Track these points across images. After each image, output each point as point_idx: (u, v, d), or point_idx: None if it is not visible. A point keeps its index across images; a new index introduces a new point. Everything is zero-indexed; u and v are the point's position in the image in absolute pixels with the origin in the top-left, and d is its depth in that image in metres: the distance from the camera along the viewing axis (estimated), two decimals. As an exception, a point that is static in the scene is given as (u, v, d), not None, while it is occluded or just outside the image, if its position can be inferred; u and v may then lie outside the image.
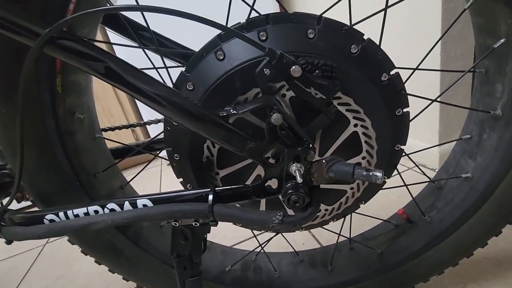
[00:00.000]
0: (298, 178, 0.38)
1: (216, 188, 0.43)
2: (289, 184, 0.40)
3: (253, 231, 0.66)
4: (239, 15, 0.43)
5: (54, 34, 0.34)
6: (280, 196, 0.43)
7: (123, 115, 1.76)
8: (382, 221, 0.69)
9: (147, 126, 1.82)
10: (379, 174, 0.37)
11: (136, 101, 1.60)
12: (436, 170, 1.10)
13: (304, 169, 0.39)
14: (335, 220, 0.57)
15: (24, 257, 1.25)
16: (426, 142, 1.06)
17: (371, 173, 0.37)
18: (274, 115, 0.37)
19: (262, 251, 0.69)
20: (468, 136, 0.55)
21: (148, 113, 1.66)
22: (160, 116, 0.76)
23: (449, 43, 0.95)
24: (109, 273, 1.02)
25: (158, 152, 0.60)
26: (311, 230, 0.99)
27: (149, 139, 0.64)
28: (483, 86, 0.51)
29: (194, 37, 0.77)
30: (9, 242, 0.52)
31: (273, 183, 0.44)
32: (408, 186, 0.60)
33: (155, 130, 1.64)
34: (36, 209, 0.53)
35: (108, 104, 1.69)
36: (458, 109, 1.04)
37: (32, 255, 1.25)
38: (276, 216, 0.39)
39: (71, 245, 0.63)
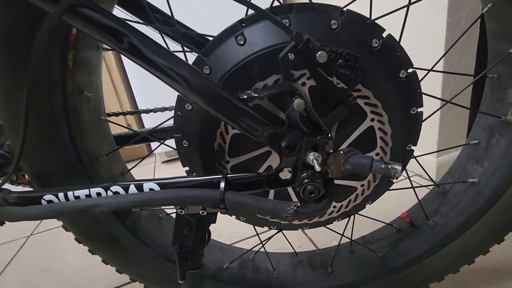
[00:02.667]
0: (317, 167, 0.37)
1: (228, 175, 0.42)
2: (304, 174, 0.40)
3: (255, 228, 0.64)
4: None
5: (75, 1, 0.33)
6: (292, 187, 0.42)
7: (120, 107, 1.73)
8: (383, 224, 0.68)
9: (143, 122, 1.80)
10: (398, 167, 0.37)
11: (134, 93, 1.61)
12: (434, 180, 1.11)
13: (321, 159, 0.39)
14: (340, 219, 0.57)
15: (6, 248, 1.20)
16: (424, 151, 1.08)
17: (390, 166, 0.37)
18: (297, 100, 0.36)
19: (261, 249, 0.68)
20: (476, 141, 0.56)
21: (144, 105, 1.63)
22: (165, 104, 0.74)
23: (452, 54, 0.97)
24: (96, 268, 0.99)
25: (164, 140, 0.59)
26: (308, 233, 0.98)
27: (155, 126, 0.62)
28: (494, 92, 0.52)
29: (205, 25, 0.77)
30: (1, 223, 0.49)
31: (283, 175, 0.43)
32: (409, 190, 0.60)
33: (151, 123, 1.61)
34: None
35: (104, 95, 1.66)
36: (456, 120, 1.07)
37: (15, 246, 1.20)
38: (291, 206, 0.38)
39: (55, 238, 0.60)
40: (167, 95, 0.43)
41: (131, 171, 0.64)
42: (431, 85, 1.01)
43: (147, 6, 0.51)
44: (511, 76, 0.48)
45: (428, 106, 0.53)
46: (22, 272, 1.03)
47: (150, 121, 1.68)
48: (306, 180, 0.39)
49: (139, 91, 1.61)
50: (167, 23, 0.56)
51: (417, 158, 0.56)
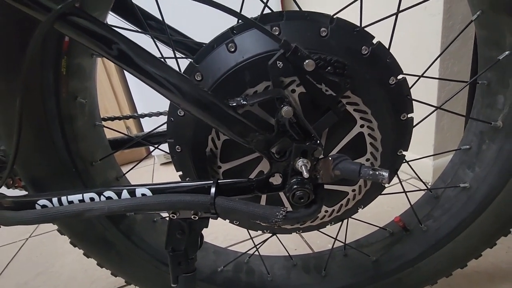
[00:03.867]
0: (305, 173, 0.37)
1: (219, 181, 0.42)
2: (294, 180, 0.40)
3: (249, 231, 0.64)
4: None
5: (66, 10, 0.33)
6: (283, 192, 0.43)
7: (119, 111, 1.74)
8: (377, 228, 0.69)
9: (142, 125, 1.80)
10: (385, 173, 0.37)
11: (133, 97, 1.62)
12: (430, 184, 1.11)
13: (310, 165, 0.39)
14: (333, 223, 0.57)
15: (4, 251, 1.20)
16: (420, 155, 1.08)
17: (377, 173, 0.37)
18: (285, 108, 0.36)
19: (255, 253, 0.68)
20: (467, 146, 0.56)
21: (143, 109, 1.64)
22: (161, 109, 0.75)
23: (446, 60, 0.98)
24: (93, 270, 1.00)
25: (158, 144, 0.59)
26: (303, 236, 0.98)
27: (149, 131, 0.63)
28: (484, 98, 0.52)
29: (198, 32, 0.77)
30: (-5, 227, 0.50)
31: (275, 180, 0.43)
32: (405, 194, 0.60)
33: (150, 127, 1.62)
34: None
35: (104, 99, 1.67)
36: (452, 124, 1.07)
37: (13, 249, 1.20)
38: (280, 211, 0.38)
39: (54, 241, 0.60)
40: (166, 100, 0.43)
41: (129, 173, 0.65)
42: (426, 90, 1.02)
43: (139, 13, 0.52)
44: (500, 82, 0.48)
45: (424, 110, 0.53)
46: (20, 274, 1.04)
47: (150, 125, 1.68)
48: (295, 186, 0.39)
49: (138, 95, 1.61)
50: (161, 30, 0.57)
51: (410, 162, 0.56)
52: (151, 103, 1.50)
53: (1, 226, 0.48)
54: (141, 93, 1.60)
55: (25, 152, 0.46)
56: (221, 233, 1.06)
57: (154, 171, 1.80)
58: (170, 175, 1.70)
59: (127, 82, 1.62)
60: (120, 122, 1.72)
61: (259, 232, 0.60)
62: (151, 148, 1.76)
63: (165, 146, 0.57)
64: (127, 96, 1.77)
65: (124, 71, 1.64)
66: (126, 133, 0.66)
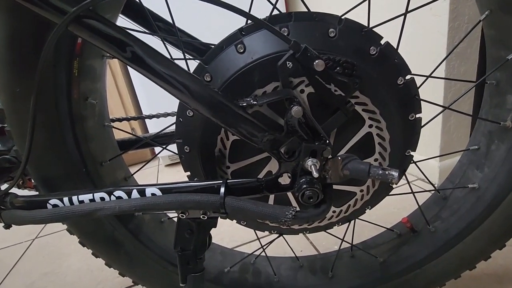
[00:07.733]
0: (314, 173, 0.37)
1: (228, 181, 0.42)
2: (303, 179, 0.40)
3: (256, 232, 0.64)
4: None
5: (80, 12, 0.34)
6: (292, 192, 0.43)
7: (124, 112, 1.75)
8: (384, 229, 0.68)
9: (147, 125, 1.82)
10: (395, 173, 0.37)
11: (138, 98, 1.63)
12: (436, 186, 1.11)
13: (320, 165, 0.39)
14: (340, 224, 0.57)
15: (11, 251, 1.21)
16: (428, 156, 1.07)
17: (387, 172, 0.37)
18: (295, 108, 0.37)
19: (262, 254, 0.68)
20: (476, 147, 0.56)
21: (149, 111, 1.65)
22: (169, 110, 0.76)
23: (453, 60, 0.97)
24: (99, 271, 1.00)
25: (166, 145, 0.60)
26: (309, 237, 0.98)
27: (157, 131, 0.63)
28: (493, 97, 0.52)
29: (206, 34, 0.78)
30: (7, 226, 0.50)
31: (283, 180, 0.44)
32: (411, 195, 0.60)
33: (155, 128, 1.63)
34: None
35: (109, 101, 1.69)
36: (459, 125, 1.07)
37: (20, 249, 1.21)
38: (290, 211, 0.38)
39: (60, 241, 0.60)
40: (171, 101, 0.44)
41: (133, 174, 0.65)
42: (433, 91, 1.02)
43: (149, 15, 0.53)
44: (509, 82, 0.48)
45: (431, 111, 0.53)
46: (27, 275, 1.05)
47: (154, 126, 1.70)
48: (304, 186, 0.39)
49: (143, 97, 1.63)
50: (170, 32, 0.58)
51: (417, 163, 0.56)
52: (156, 105, 1.52)
53: (14, 225, 0.49)
54: (146, 94, 1.61)
55: (37, 152, 0.47)
56: (226, 234, 1.06)
57: (158, 172, 1.81)
58: (175, 176, 1.71)
59: (132, 83, 1.63)
60: (125, 123, 1.74)
61: (265, 233, 0.60)
62: (156, 150, 1.78)
63: (172, 147, 0.58)
64: (132, 97, 1.79)
65: (130, 72, 1.66)
66: (134, 134, 0.66)
